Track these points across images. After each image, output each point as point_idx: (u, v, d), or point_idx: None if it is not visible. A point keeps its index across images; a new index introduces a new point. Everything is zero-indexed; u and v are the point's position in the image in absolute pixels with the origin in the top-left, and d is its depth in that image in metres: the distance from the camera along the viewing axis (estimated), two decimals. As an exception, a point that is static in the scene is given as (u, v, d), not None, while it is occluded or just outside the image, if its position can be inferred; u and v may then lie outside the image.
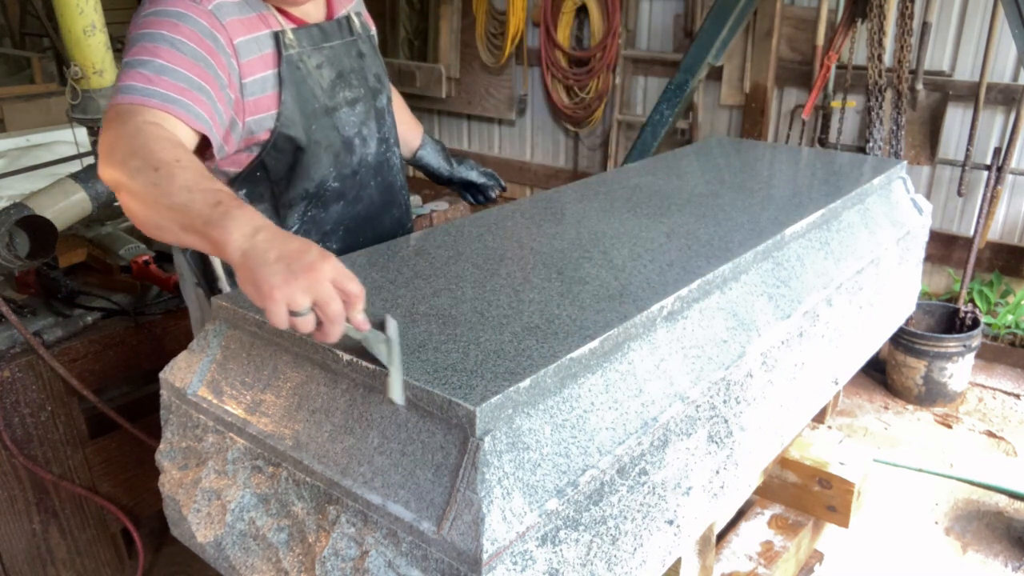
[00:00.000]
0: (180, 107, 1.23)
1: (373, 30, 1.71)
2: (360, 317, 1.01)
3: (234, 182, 1.45)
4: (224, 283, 1.57)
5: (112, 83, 2.10)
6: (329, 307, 0.95)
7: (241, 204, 1.04)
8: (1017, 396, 3.27)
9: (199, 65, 1.27)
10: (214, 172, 1.39)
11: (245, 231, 0.99)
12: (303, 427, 1.15)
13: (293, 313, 0.94)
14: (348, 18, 1.60)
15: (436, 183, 2.04)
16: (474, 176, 2.01)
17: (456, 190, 2.04)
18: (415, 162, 1.99)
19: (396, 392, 1.03)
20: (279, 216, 1.52)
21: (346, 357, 1.10)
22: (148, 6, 1.32)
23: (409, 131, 1.93)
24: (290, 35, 1.44)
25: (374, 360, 1.06)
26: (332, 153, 1.53)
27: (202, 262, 1.58)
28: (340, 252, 1.54)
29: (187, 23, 1.27)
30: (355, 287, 0.98)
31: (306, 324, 0.96)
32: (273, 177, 1.47)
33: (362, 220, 1.66)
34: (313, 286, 0.94)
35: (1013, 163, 3.45)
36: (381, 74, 1.68)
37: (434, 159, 1.99)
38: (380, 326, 1.08)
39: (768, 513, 2.13)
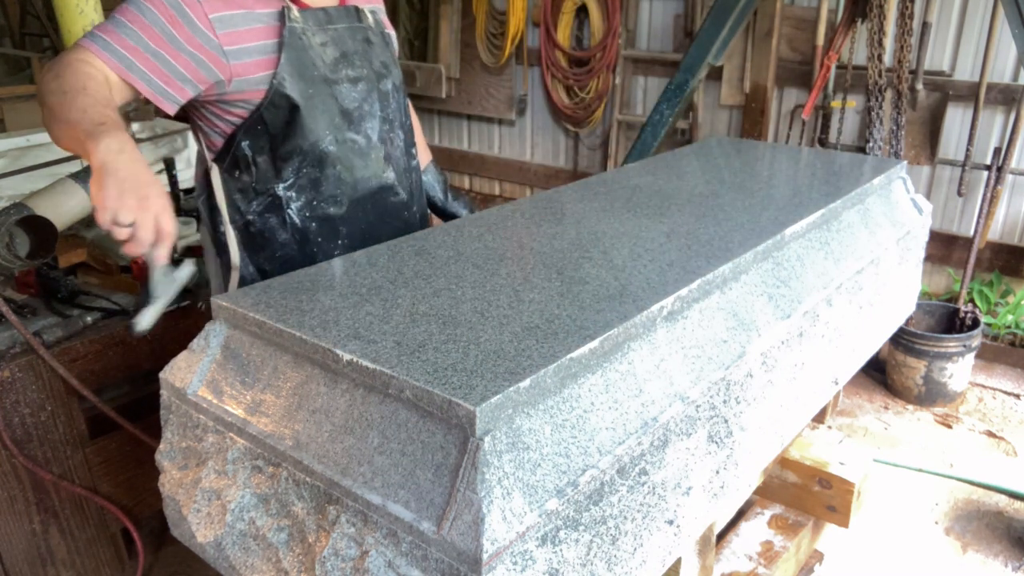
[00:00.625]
0: (116, 57, 1.44)
1: (391, 32, 1.86)
2: (161, 252, 1.26)
3: (238, 132, 1.62)
4: (235, 255, 1.72)
5: (112, 83, 2.11)
6: (140, 231, 1.20)
7: (121, 128, 1.27)
8: (1017, 396, 3.27)
9: (156, 31, 1.47)
10: (216, 122, 1.63)
11: (112, 147, 1.22)
12: (303, 427, 1.15)
13: (116, 223, 1.18)
14: (357, 8, 1.74)
15: (430, 210, 2.12)
16: (463, 213, 2.09)
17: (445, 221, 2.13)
18: None
19: (144, 322, 1.29)
20: (275, 168, 1.66)
21: (346, 357, 1.10)
22: None
23: (419, 146, 2.02)
24: (295, 12, 1.61)
25: (146, 289, 1.31)
26: (328, 118, 1.66)
27: (215, 232, 1.73)
28: (344, 217, 1.72)
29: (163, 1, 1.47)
30: (169, 227, 1.23)
31: (120, 234, 1.20)
32: (271, 131, 1.62)
33: (365, 193, 1.76)
34: (137, 211, 1.18)
35: (1013, 163, 3.45)
36: (389, 63, 1.79)
37: (431, 187, 2.07)
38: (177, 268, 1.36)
39: (768, 513, 2.13)
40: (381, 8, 1.85)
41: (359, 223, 1.75)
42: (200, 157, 1.77)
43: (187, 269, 1.34)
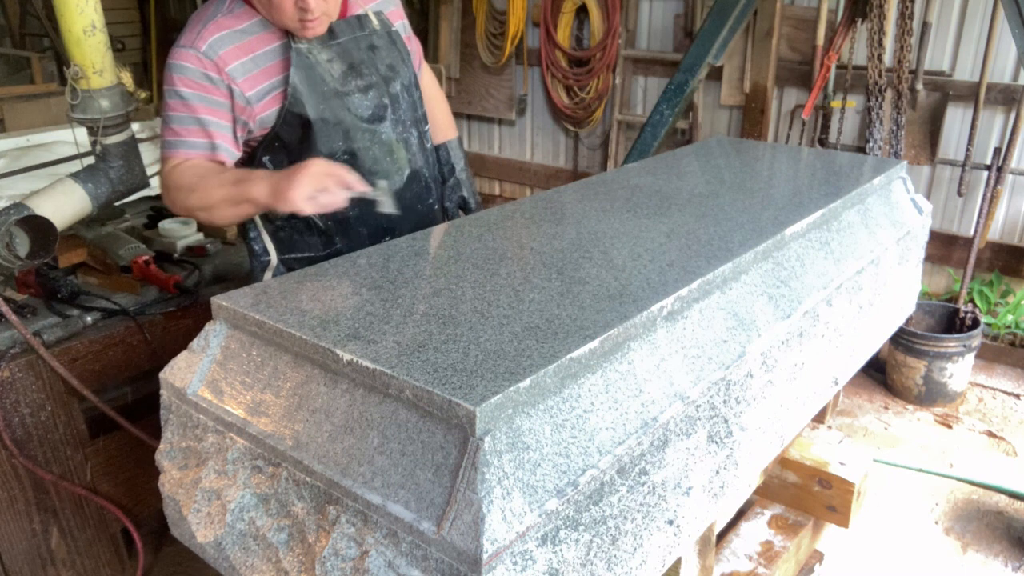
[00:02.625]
0: (193, 148, 1.68)
1: (399, 25, 1.91)
2: (353, 180, 1.55)
3: (258, 149, 1.76)
4: (273, 256, 1.88)
5: (112, 83, 2.11)
6: (326, 183, 1.52)
7: (251, 172, 1.64)
8: (1017, 396, 3.27)
9: (200, 105, 1.66)
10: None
11: (262, 179, 1.57)
12: (303, 427, 1.15)
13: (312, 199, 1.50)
14: (361, 16, 1.80)
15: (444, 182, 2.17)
16: (452, 199, 2.13)
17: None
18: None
19: (389, 206, 1.68)
20: None
21: (346, 357, 1.10)
22: (169, 54, 1.67)
23: (436, 123, 2.09)
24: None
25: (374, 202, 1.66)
26: (343, 130, 1.75)
27: (245, 238, 1.89)
28: (362, 218, 1.83)
29: (184, 73, 1.64)
30: (339, 169, 1.54)
31: (318, 202, 1.52)
32: (288, 146, 1.75)
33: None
34: (310, 178, 1.50)
35: (1013, 163, 3.45)
36: (396, 64, 1.86)
37: (449, 156, 2.12)
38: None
39: (768, 513, 2.13)
40: (388, 4, 1.90)
41: (380, 221, 1.81)
42: None
43: (382, 186, 1.72)
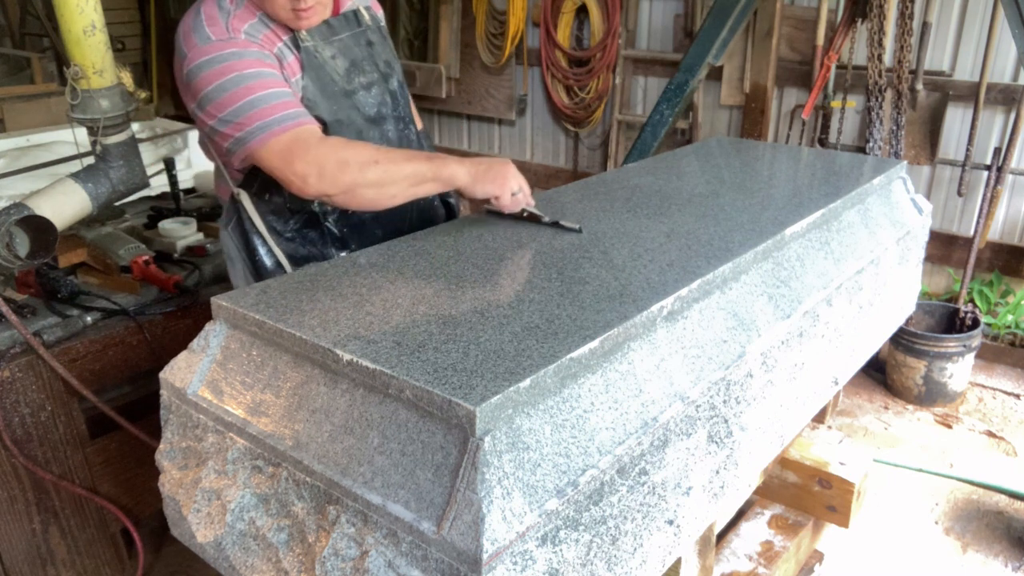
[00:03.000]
0: (306, 117, 1.54)
1: (381, 16, 1.87)
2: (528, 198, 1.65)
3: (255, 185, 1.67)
4: (283, 259, 1.72)
5: (112, 83, 2.10)
6: (523, 189, 1.62)
7: (438, 153, 1.62)
8: (1017, 396, 3.27)
9: (279, 80, 1.54)
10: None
11: (457, 162, 1.55)
12: (303, 427, 1.15)
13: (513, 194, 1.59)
14: (355, 12, 1.75)
15: None
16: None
17: None
18: None
19: (571, 221, 1.65)
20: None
21: (346, 357, 1.10)
22: (193, 58, 1.51)
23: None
24: (303, 32, 1.62)
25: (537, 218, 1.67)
26: (355, 131, 1.69)
27: (244, 240, 1.73)
28: (378, 219, 1.77)
29: (246, 56, 1.50)
30: (524, 180, 1.63)
31: (516, 200, 1.61)
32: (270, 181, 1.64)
33: None
34: (516, 176, 1.61)
35: (1013, 163, 3.45)
36: (391, 60, 1.82)
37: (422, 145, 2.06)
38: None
39: (768, 513, 2.13)
40: None
41: (394, 221, 1.79)
42: (220, 186, 1.78)
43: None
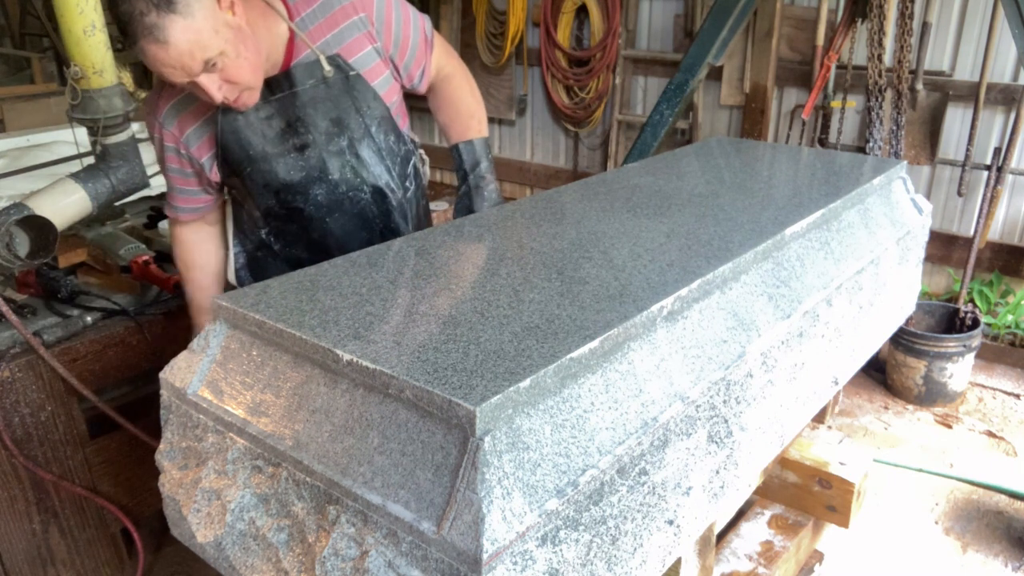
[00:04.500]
0: (186, 212, 1.86)
1: (356, 59, 1.69)
2: None
3: (230, 194, 1.87)
4: (231, 275, 1.93)
5: (112, 83, 2.10)
6: None
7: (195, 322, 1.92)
8: (1017, 396, 3.27)
9: (178, 176, 1.79)
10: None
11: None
12: (303, 427, 1.15)
13: None
14: (312, 63, 1.65)
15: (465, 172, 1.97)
16: (460, 209, 1.93)
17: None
18: (451, 151, 1.96)
19: None
20: (254, 217, 1.85)
21: (346, 357, 1.10)
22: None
23: (455, 124, 1.95)
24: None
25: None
26: (270, 190, 1.74)
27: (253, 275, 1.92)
28: (309, 260, 1.68)
29: (156, 145, 1.75)
30: None
31: None
32: (237, 198, 1.86)
33: (334, 240, 1.83)
34: None
35: (1013, 163, 3.45)
36: (346, 115, 1.71)
37: (458, 161, 1.94)
38: None
39: (768, 513, 2.13)
40: (348, 36, 1.67)
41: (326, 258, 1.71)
42: None
43: None
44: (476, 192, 1.89)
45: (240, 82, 1.52)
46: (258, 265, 1.89)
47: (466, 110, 1.93)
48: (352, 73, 1.70)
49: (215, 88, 1.49)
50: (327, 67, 1.66)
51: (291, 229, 1.81)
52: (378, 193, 1.82)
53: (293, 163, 1.69)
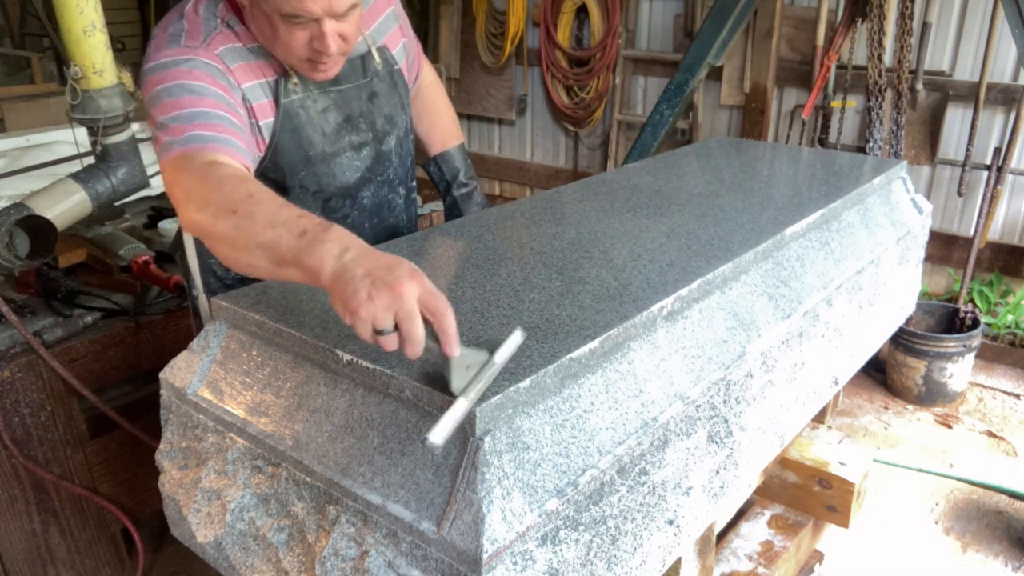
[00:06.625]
0: (223, 144, 1.24)
1: (401, 49, 1.64)
2: (446, 339, 0.93)
3: None
4: (200, 293, 1.59)
5: (112, 83, 2.10)
6: (406, 325, 0.91)
7: (326, 226, 1.00)
8: (1017, 396, 3.27)
9: (222, 103, 1.29)
10: None
11: (335, 252, 0.96)
12: (303, 427, 1.15)
13: (377, 332, 0.92)
14: (364, 57, 1.53)
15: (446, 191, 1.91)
16: (465, 213, 1.86)
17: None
18: (428, 164, 1.87)
19: (439, 436, 0.89)
20: None
21: (346, 357, 1.10)
22: (154, 58, 1.32)
23: (437, 131, 1.84)
24: (295, 79, 1.42)
25: (443, 386, 0.96)
26: (322, 198, 1.52)
27: (190, 294, 1.61)
28: None
29: (198, 67, 1.29)
30: (439, 305, 0.93)
31: (389, 343, 0.93)
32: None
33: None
34: (395, 302, 0.90)
35: (1013, 163, 3.45)
36: (395, 112, 1.61)
37: (440, 172, 1.85)
38: (494, 345, 0.98)
39: (768, 513, 2.13)
40: (387, 28, 1.60)
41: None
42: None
43: (512, 341, 0.98)
44: (465, 200, 1.85)
45: (351, 42, 1.36)
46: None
47: (448, 116, 1.86)
48: (396, 67, 1.60)
49: (334, 38, 1.31)
50: (377, 59, 1.55)
51: None
52: (408, 196, 1.73)
53: (349, 163, 1.51)
